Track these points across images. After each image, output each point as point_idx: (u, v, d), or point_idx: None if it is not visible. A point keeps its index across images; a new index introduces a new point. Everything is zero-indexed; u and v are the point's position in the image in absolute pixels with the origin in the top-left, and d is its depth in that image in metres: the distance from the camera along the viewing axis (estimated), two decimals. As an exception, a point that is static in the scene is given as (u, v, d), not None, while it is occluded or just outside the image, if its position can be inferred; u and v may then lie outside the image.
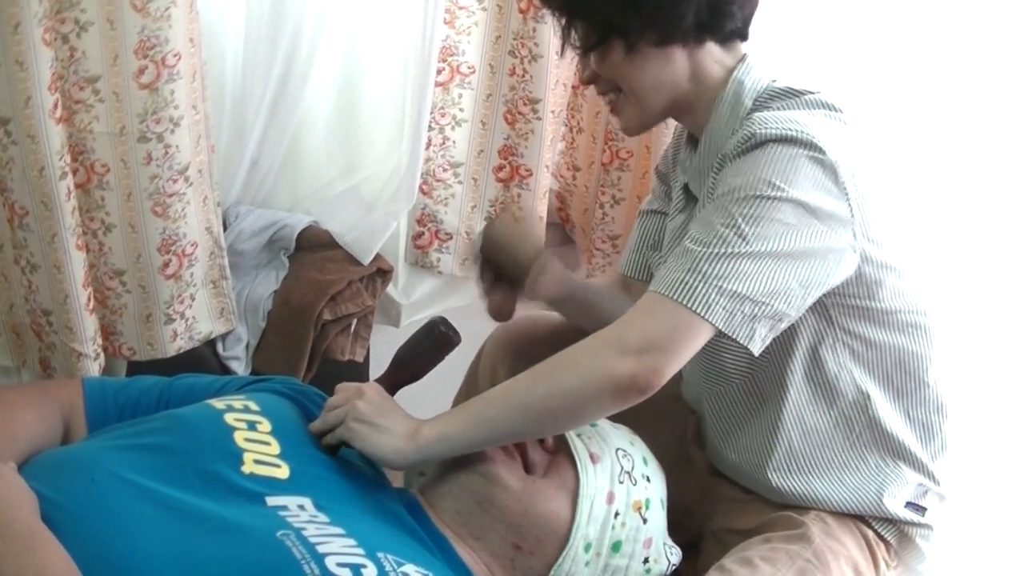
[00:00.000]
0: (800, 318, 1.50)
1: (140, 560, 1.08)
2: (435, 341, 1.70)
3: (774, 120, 1.47)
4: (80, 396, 1.47)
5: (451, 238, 2.59)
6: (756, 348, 1.41)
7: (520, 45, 2.39)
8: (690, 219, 1.65)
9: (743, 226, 1.39)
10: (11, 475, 1.15)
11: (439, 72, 2.39)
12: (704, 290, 1.36)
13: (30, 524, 1.08)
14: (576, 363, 1.40)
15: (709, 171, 1.59)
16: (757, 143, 1.45)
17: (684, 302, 1.37)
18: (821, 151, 1.42)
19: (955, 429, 1.67)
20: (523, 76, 2.41)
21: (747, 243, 1.38)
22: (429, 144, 2.46)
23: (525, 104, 2.45)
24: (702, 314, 1.36)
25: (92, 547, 1.08)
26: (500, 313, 1.83)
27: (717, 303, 1.36)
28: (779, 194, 1.40)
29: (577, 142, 2.82)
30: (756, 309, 1.38)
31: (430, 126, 2.42)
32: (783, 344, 1.55)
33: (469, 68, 2.44)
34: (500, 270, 1.79)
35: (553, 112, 2.49)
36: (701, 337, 1.39)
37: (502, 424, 1.42)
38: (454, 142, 2.51)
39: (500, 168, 2.55)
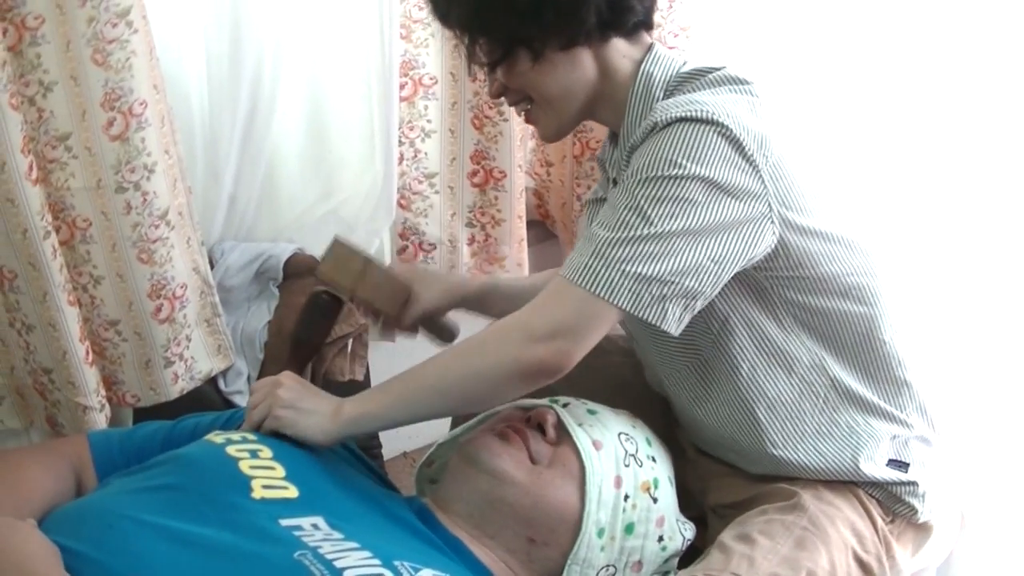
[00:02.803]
0: (735, 295, 1.52)
1: None
2: (322, 310, 1.76)
3: (675, 105, 1.48)
4: (87, 450, 1.50)
5: (435, 248, 2.62)
6: (672, 328, 1.42)
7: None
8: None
9: (646, 208, 1.41)
10: (32, 530, 1.17)
11: (402, 87, 2.41)
12: (607, 274, 1.39)
13: (54, 575, 1.10)
14: (487, 349, 1.46)
15: (624, 159, 1.60)
16: (659, 128, 1.47)
17: (588, 287, 1.40)
18: (724, 126, 1.43)
19: (924, 376, 1.67)
20: (485, 81, 2.43)
21: (651, 225, 1.40)
22: (401, 159, 2.48)
23: (490, 108, 2.47)
24: (606, 298, 1.39)
25: None
26: (401, 333, 1.94)
27: (621, 286, 1.38)
28: (682, 172, 1.41)
29: (547, 138, 2.84)
30: (664, 289, 1.39)
31: (400, 140, 2.45)
32: (722, 321, 1.56)
33: (431, 79, 2.46)
34: (353, 302, 1.90)
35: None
36: (608, 320, 1.42)
37: (419, 404, 1.49)
38: (426, 153, 2.53)
39: (474, 173, 2.57)
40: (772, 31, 2.54)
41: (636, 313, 1.40)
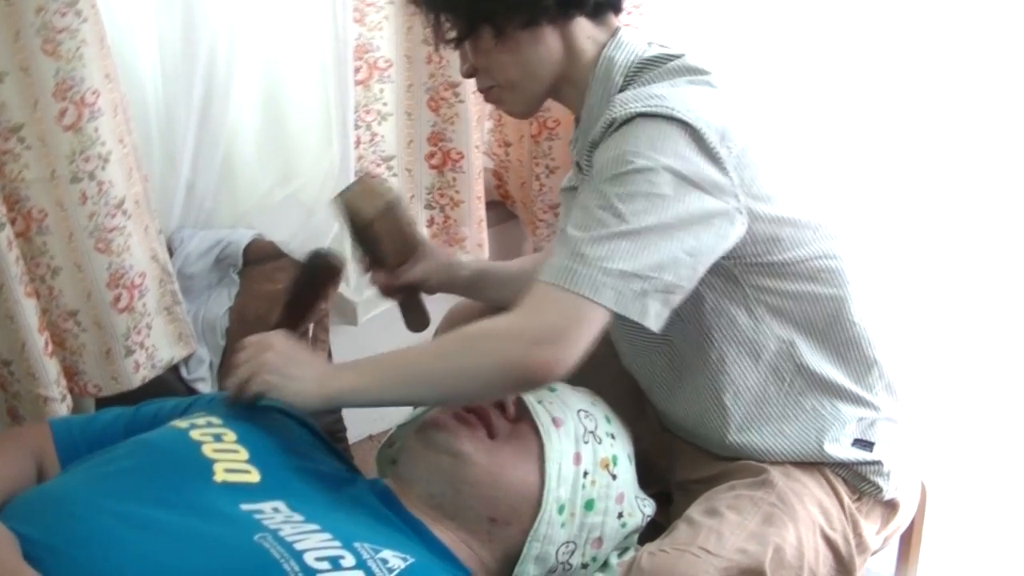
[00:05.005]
0: (706, 283, 1.50)
1: None
2: (318, 271, 1.74)
3: (633, 99, 1.48)
4: (49, 437, 1.49)
5: (394, 230, 2.62)
6: (652, 324, 1.41)
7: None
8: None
9: (618, 205, 1.40)
10: None
11: (357, 70, 2.41)
12: (588, 273, 1.37)
13: (11, 564, 1.10)
14: (482, 350, 1.43)
15: (586, 148, 1.60)
16: (618, 126, 1.47)
17: (571, 288, 1.37)
18: (683, 121, 1.42)
19: (893, 355, 1.68)
20: (440, 62, 2.43)
21: (625, 221, 1.39)
22: (358, 142, 2.48)
23: (446, 89, 2.48)
24: (591, 297, 1.37)
25: None
26: (384, 291, 1.89)
27: (604, 284, 1.36)
28: (649, 164, 1.40)
29: (504, 119, 2.85)
30: (645, 284, 1.38)
31: (357, 124, 2.44)
32: (694, 310, 1.56)
33: (386, 62, 2.46)
34: (359, 237, 1.83)
35: (475, 93, 2.51)
36: (596, 321, 1.39)
37: (406, 390, 1.46)
38: (383, 136, 2.54)
39: (432, 155, 2.58)
40: (724, 7, 2.55)
41: (619, 310, 1.38)
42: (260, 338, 1.54)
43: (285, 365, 1.48)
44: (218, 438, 1.40)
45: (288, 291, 1.80)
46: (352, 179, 2.40)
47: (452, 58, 2.41)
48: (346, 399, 1.49)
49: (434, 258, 1.90)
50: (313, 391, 1.46)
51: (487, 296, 1.92)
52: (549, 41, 1.60)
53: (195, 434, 1.40)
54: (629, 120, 1.46)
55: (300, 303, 1.76)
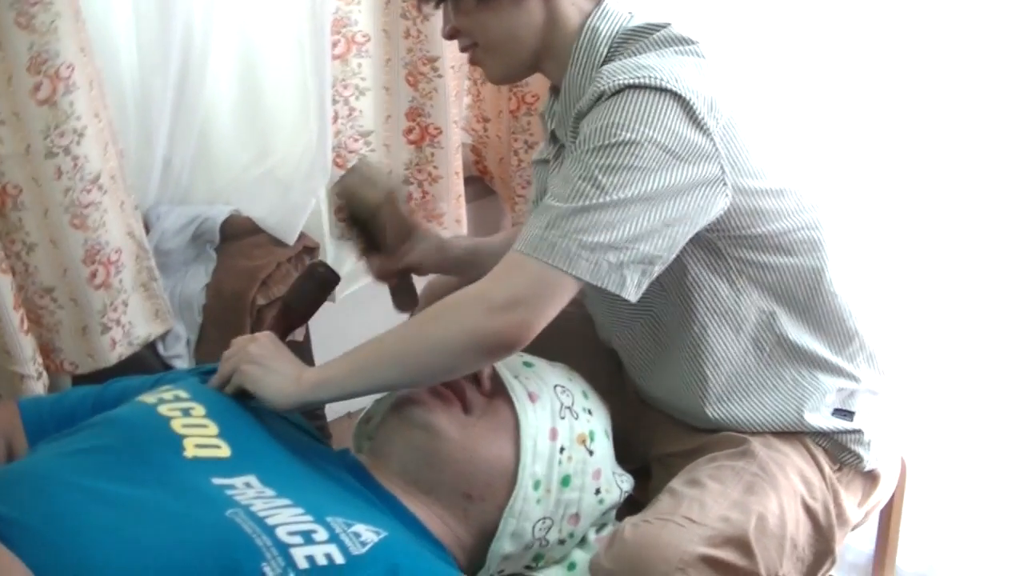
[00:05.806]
0: (689, 255, 1.50)
1: (94, 561, 1.10)
2: (317, 283, 1.77)
3: (621, 71, 1.46)
4: (17, 416, 1.49)
5: (373, 206, 2.61)
6: (631, 295, 1.41)
7: (411, 7, 2.40)
8: (560, 166, 1.65)
9: (600, 177, 1.39)
10: None
11: (335, 45, 2.39)
12: (564, 244, 1.37)
13: None
14: (445, 321, 1.43)
15: (569, 120, 1.58)
16: (608, 96, 1.45)
17: (545, 259, 1.38)
18: (671, 91, 1.41)
19: (874, 326, 1.69)
20: (418, 37, 2.42)
21: (605, 193, 1.38)
22: (336, 117, 2.47)
23: (424, 64, 2.47)
24: (564, 268, 1.37)
25: (47, 556, 1.09)
26: (381, 275, 1.92)
27: (579, 256, 1.36)
28: (634, 138, 1.39)
29: (483, 94, 2.84)
30: (621, 256, 1.37)
31: (334, 99, 2.43)
32: (676, 281, 1.56)
33: (364, 37, 2.44)
34: (359, 224, 1.86)
35: (453, 68, 2.51)
36: (567, 291, 1.40)
37: (378, 375, 1.47)
38: (361, 111, 2.52)
39: (410, 130, 2.57)
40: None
41: (596, 283, 1.38)
42: (246, 336, 1.56)
43: (267, 358, 1.49)
44: (186, 412, 1.40)
45: (286, 299, 1.83)
46: (329, 156, 2.39)
47: (430, 33, 2.41)
48: (323, 391, 1.47)
49: (428, 241, 1.90)
50: (291, 384, 1.47)
51: (479, 273, 1.92)
52: (532, 5, 1.58)
53: (163, 409, 1.39)
54: (617, 92, 1.44)
55: (296, 312, 1.79)
